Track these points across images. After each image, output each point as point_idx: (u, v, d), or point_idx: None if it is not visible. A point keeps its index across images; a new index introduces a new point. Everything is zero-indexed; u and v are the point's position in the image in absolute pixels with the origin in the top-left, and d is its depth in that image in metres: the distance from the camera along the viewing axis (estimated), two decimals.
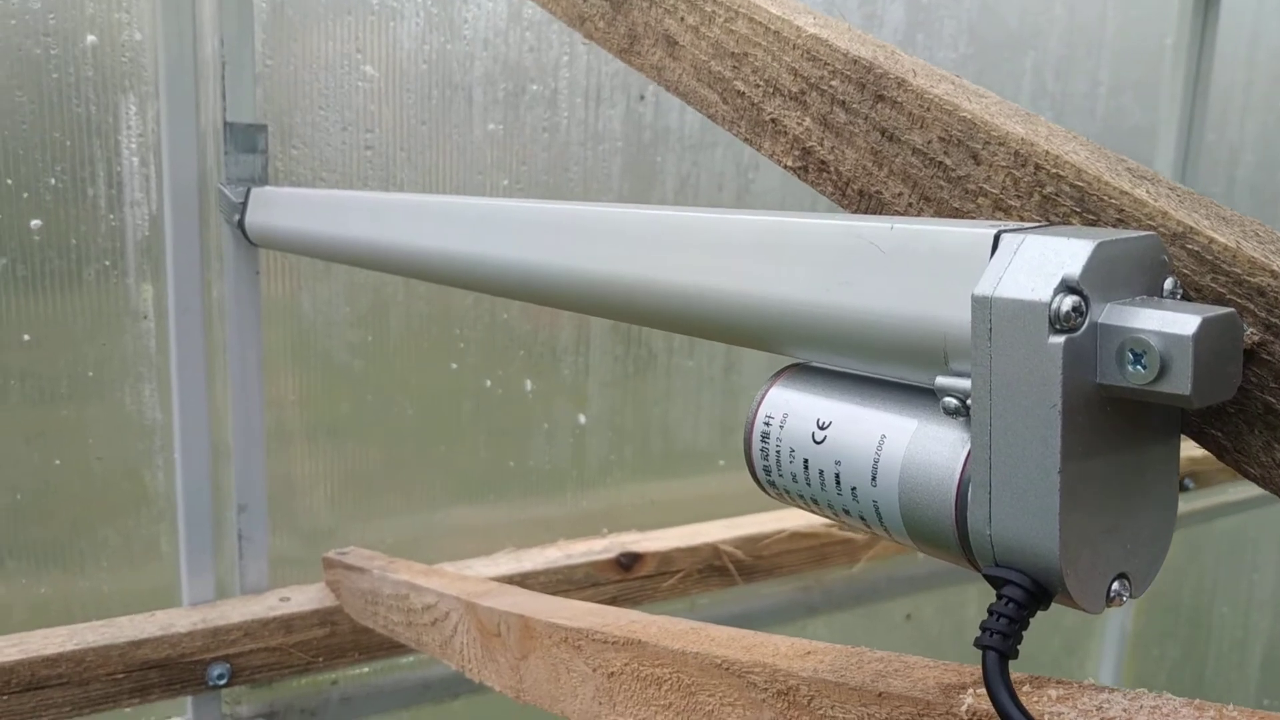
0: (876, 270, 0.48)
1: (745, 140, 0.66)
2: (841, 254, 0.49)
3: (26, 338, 1.30)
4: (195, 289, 1.36)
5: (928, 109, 0.53)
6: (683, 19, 0.71)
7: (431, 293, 1.48)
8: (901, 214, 0.55)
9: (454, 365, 1.57)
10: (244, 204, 1.27)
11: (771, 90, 0.63)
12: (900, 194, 0.55)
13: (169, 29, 1.28)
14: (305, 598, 1.42)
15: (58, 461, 1.34)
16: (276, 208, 1.22)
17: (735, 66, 0.66)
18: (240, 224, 1.28)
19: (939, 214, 0.53)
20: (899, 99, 0.55)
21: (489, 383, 1.60)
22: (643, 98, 1.60)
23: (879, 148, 0.57)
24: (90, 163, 1.29)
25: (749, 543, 1.73)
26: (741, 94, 0.66)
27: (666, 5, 0.72)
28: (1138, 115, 2.11)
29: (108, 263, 1.33)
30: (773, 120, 0.64)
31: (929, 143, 0.53)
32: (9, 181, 1.26)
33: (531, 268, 0.78)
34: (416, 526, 1.58)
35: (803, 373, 0.54)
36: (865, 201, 0.58)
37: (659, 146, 1.63)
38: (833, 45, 0.59)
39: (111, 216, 1.32)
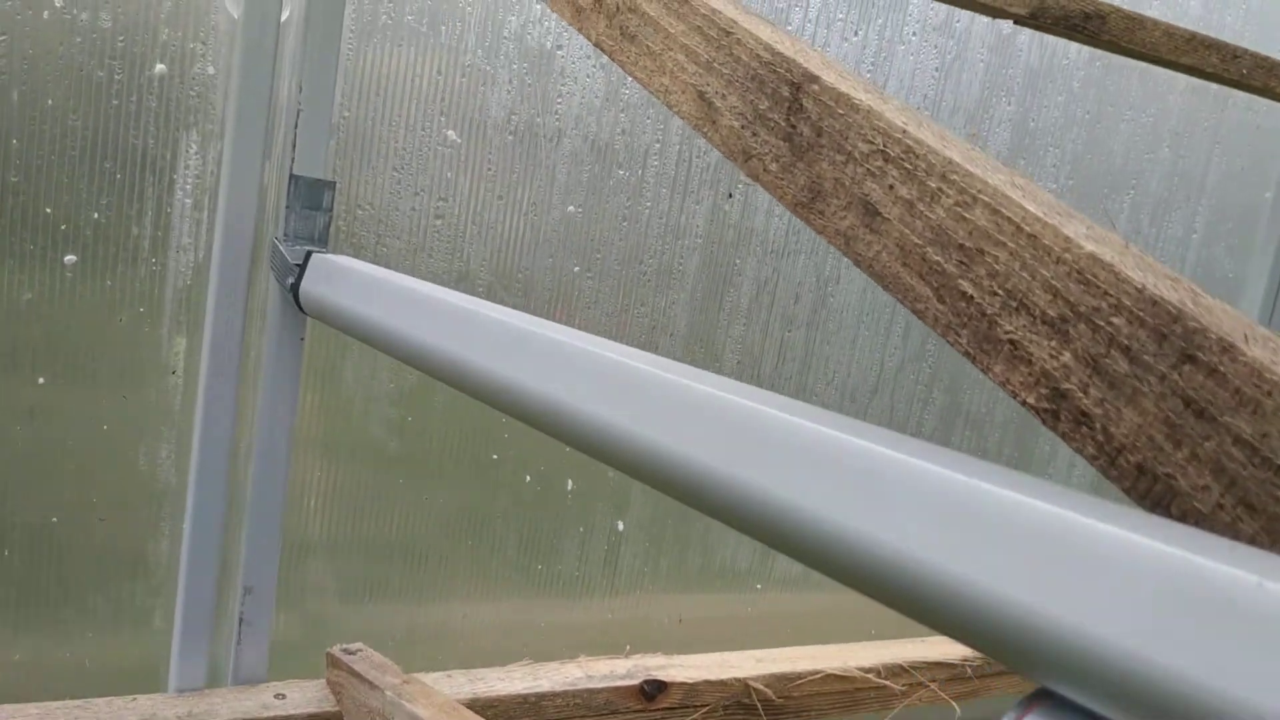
0: (1220, 633, 0.36)
1: (966, 354, 0.54)
2: (1173, 595, 0.37)
3: (41, 380, 1.17)
4: (233, 349, 1.24)
5: (1270, 392, 0.42)
6: (892, 188, 0.59)
7: None
8: (1206, 515, 0.44)
9: (495, 455, 1.45)
10: (301, 268, 1.15)
11: (1014, 305, 0.52)
12: (1206, 488, 0.44)
13: (247, 66, 1.17)
14: (303, 697, 1.29)
15: (55, 519, 1.21)
16: (338, 281, 1.10)
17: (963, 263, 0.54)
18: (294, 289, 1.16)
19: (1271, 531, 0.41)
20: (1221, 368, 0.43)
21: (529, 478, 1.48)
22: (730, 195, 1.49)
23: (1178, 420, 0.45)
24: (139, 199, 1.17)
25: (780, 681, 1.60)
26: (968, 297, 0.54)
27: (870, 166, 0.61)
28: (1227, 266, 2.01)
29: (142, 309, 1.21)
30: (1011, 342, 0.52)
31: (1266, 437, 0.42)
32: (48, 210, 1.14)
33: (620, 434, 0.67)
34: (432, 620, 1.45)
35: (1062, 710, 0.42)
36: (1144, 481, 0.46)
37: (740, 247, 1.52)
38: (1120, 273, 0.47)
39: (154, 260, 1.20)
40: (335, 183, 1.25)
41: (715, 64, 0.75)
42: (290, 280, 1.19)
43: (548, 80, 1.34)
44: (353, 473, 1.36)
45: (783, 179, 0.67)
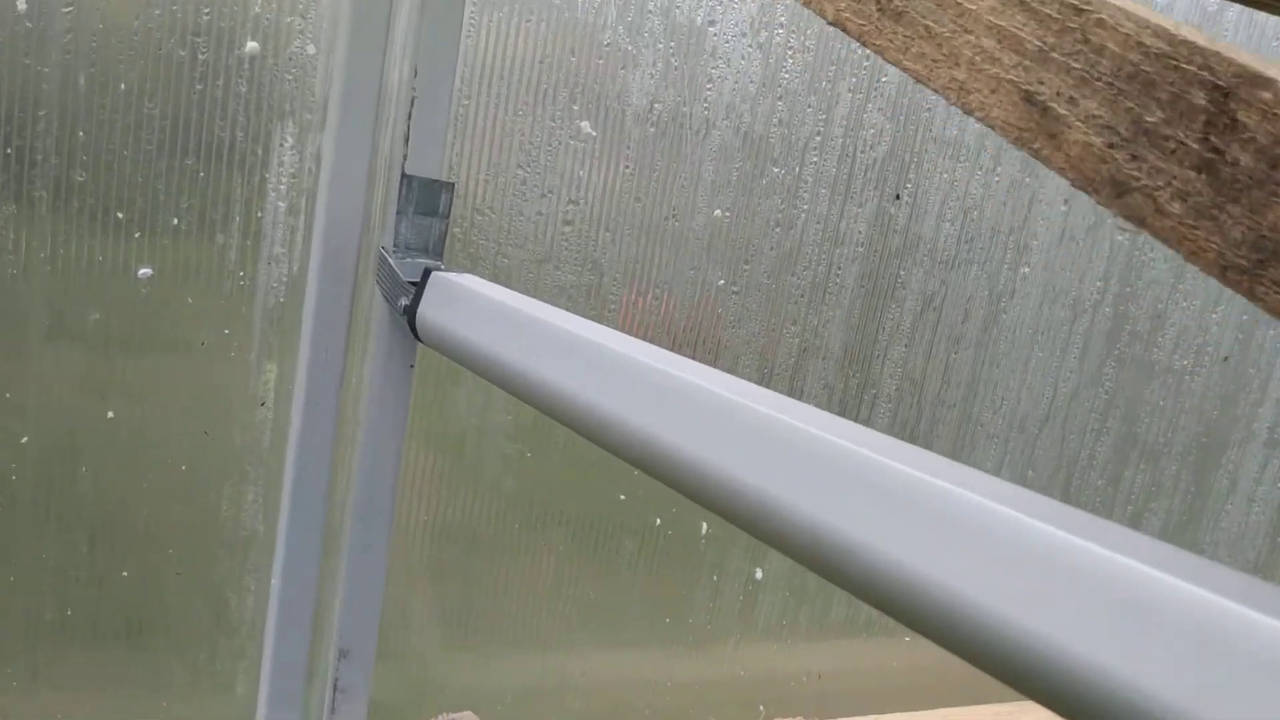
0: None
1: None
2: None
3: (110, 414, 0.99)
4: (331, 377, 1.05)
5: None
6: None
7: None
8: None
9: (622, 496, 1.25)
10: (418, 287, 0.96)
11: None
12: None
13: (353, 45, 0.97)
14: None
15: (125, 572, 1.03)
16: (464, 307, 0.90)
17: None
18: (409, 313, 0.97)
19: None
20: None
21: (659, 521, 1.28)
22: (898, 197, 1.27)
23: None
24: (225, 202, 0.98)
25: None
26: None
27: None
28: None
29: (227, 331, 1.02)
30: None
31: None
32: (119, 215, 0.95)
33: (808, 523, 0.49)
34: (546, 677, 1.26)
35: None
36: None
37: (905, 257, 1.30)
38: None
39: (241, 274, 1.01)
40: (454, 184, 1.05)
41: (1055, 53, 0.52)
42: (404, 302, 1.00)
43: (697, 62, 1.13)
44: (462, 514, 1.17)
45: (1195, 227, 0.45)
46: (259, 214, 1.01)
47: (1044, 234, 1.38)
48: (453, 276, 0.93)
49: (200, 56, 0.95)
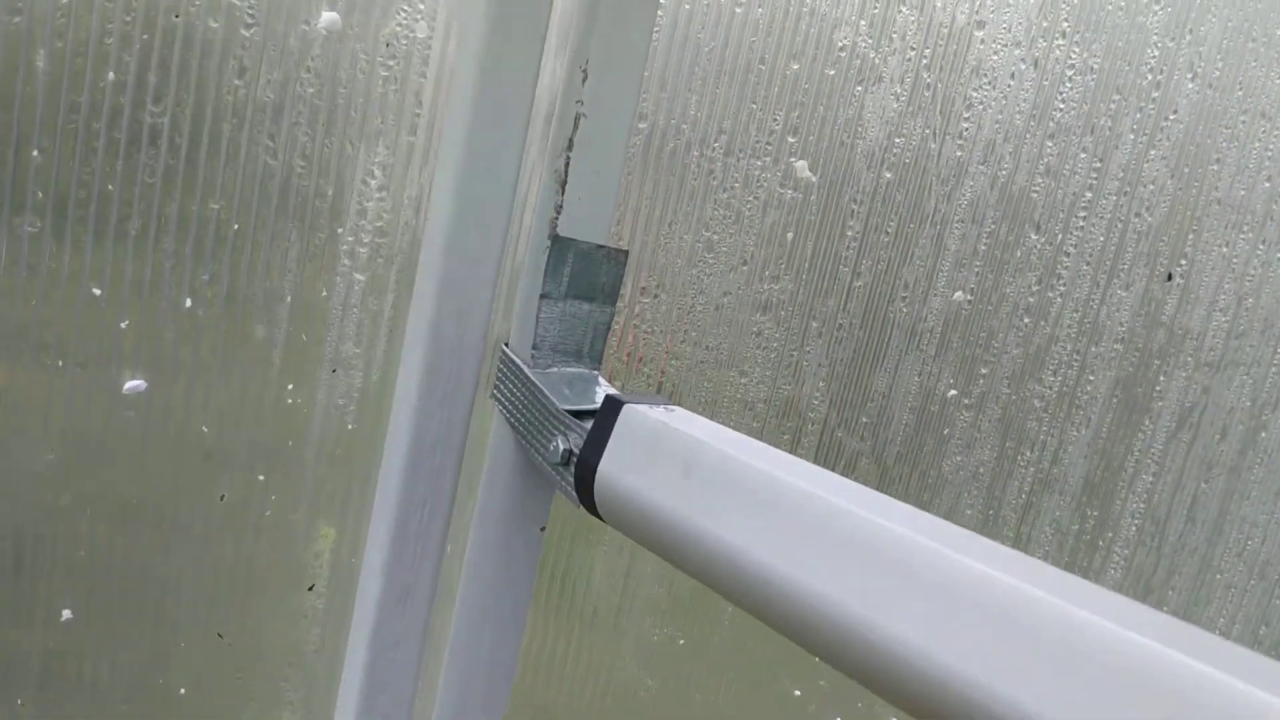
0: None
1: None
2: None
3: (66, 614, 0.58)
4: (427, 546, 0.66)
5: None
6: None
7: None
8: None
9: (797, 692, 0.87)
10: (599, 427, 0.58)
11: None
12: None
13: (494, 30, 0.59)
14: None
15: None
16: (713, 483, 0.52)
17: None
18: (577, 467, 0.58)
19: None
20: None
21: None
22: (1170, 276, 0.92)
23: None
24: (268, 272, 0.59)
25: None
26: None
27: None
28: None
29: (261, 478, 0.62)
30: None
31: None
32: (95, 291, 0.55)
33: None
34: None
35: None
36: None
37: (1167, 356, 0.94)
38: None
39: (289, 387, 0.62)
40: (627, 252, 0.67)
41: None
42: (560, 445, 0.61)
43: (955, 79, 0.76)
44: (593, 716, 0.78)
45: None
46: (323, 292, 0.61)
47: None
48: (660, 412, 0.55)
49: (244, 33, 0.55)
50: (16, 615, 0.59)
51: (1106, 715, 0.33)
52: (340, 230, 0.62)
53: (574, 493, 0.61)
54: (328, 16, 0.60)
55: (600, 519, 0.60)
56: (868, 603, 0.43)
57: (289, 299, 0.61)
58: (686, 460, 0.53)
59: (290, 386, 0.63)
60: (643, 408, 0.57)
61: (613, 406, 0.59)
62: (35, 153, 0.54)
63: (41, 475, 0.58)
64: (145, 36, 0.55)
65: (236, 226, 0.59)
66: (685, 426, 0.55)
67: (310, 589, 0.67)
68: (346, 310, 0.63)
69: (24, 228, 0.55)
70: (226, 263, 0.60)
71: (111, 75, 0.55)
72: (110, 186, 0.56)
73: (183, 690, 0.65)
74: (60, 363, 0.57)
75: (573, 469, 0.61)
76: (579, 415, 0.62)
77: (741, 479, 0.50)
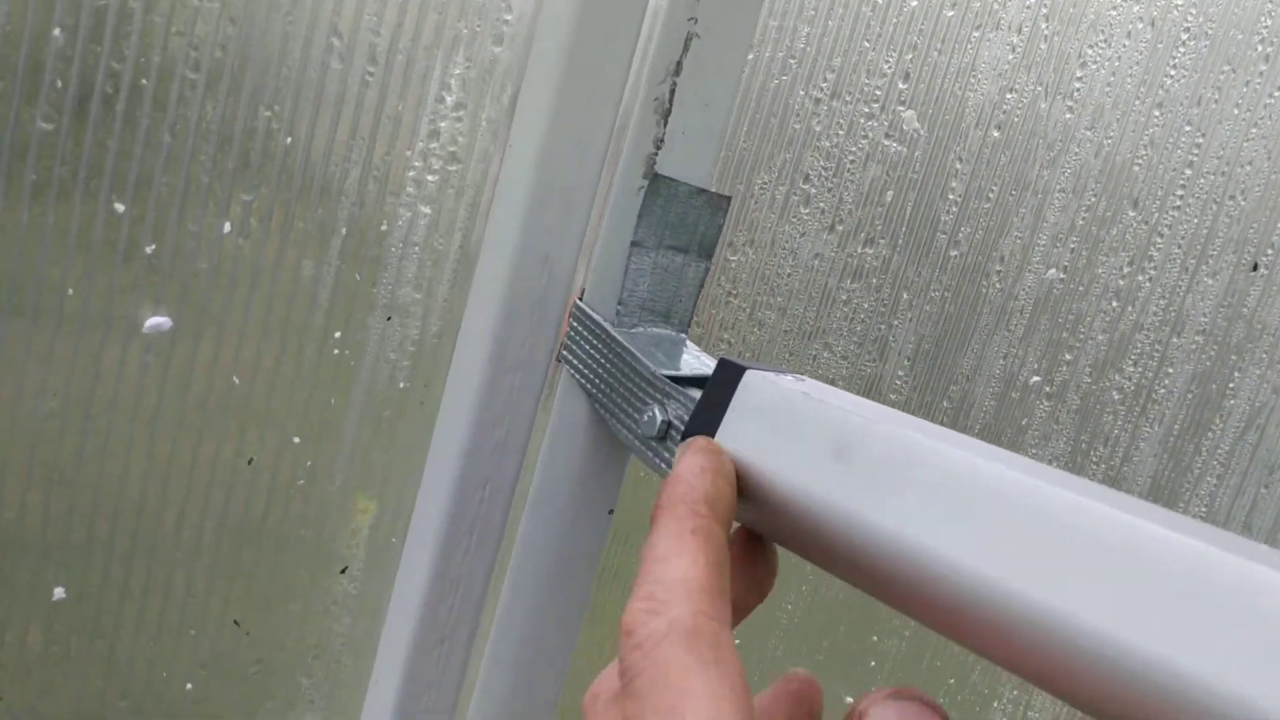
0: None
1: None
2: None
3: (59, 593, 0.48)
4: (486, 533, 0.57)
5: None
6: None
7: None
8: None
9: (849, 699, 0.79)
10: (714, 400, 0.49)
11: None
12: None
13: None
14: None
15: None
16: (876, 470, 0.44)
17: None
18: (675, 440, 0.50)
19: None
20: None
21: None
22: (1256, 267, 0.85)
23: None
24: (320, 197, 0.49)
25: None
26: None
27: None
28: None
29: (296, 440, 0.53)
30: None
31: None
32: (117, 207, 0.45)
33: None
34: None
35: None
36: None
37: (1244, 354, 0.88)
38: None
39: (337, 335, 0.52)
40: (730, 200, 0.58)
41: None
42: (660, 417, 0.52)
43: (1072, 34, 0.68)
44: None
45: None
46: (382, 225, 0.51)
47: None
48: (790, 382, 0.47)
49: None
50: (12, 590, 0.49)
51: None
52: (408, 154, 0.52)
53: (663, 469, 0.53)
54: None
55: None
56: (1098, 608, 0.35)
57: (343, 231, 0.52)
58: (839, 440, 0.44)
59: (337, 335, 0.53)
60: (771, 375, 0.49)
61: (731, 373, 0.50)
62: (56, 31, 0.44)
63: (38, 427, 0.48)
64: None
65: (289, 140, 0.49)
66: (831, 399, 0.46)
67: (343, 572, 0.57)
68: (407, 248, 0.53)
69: (37, 123, 0.44)
70: (273, 183, 0.50)
71: None
72: (144, 80, 0.46)
73: (189, 685, 0.55)
74: (70, 291, 0.47)
75: (673, 444, 0.52)
76: (682, 383, 0.53)
77: (918, 464, 0.41)
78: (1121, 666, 0.33)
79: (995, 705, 0.89)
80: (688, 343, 0.60)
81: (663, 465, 0.53)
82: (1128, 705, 0.33)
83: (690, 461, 0.42)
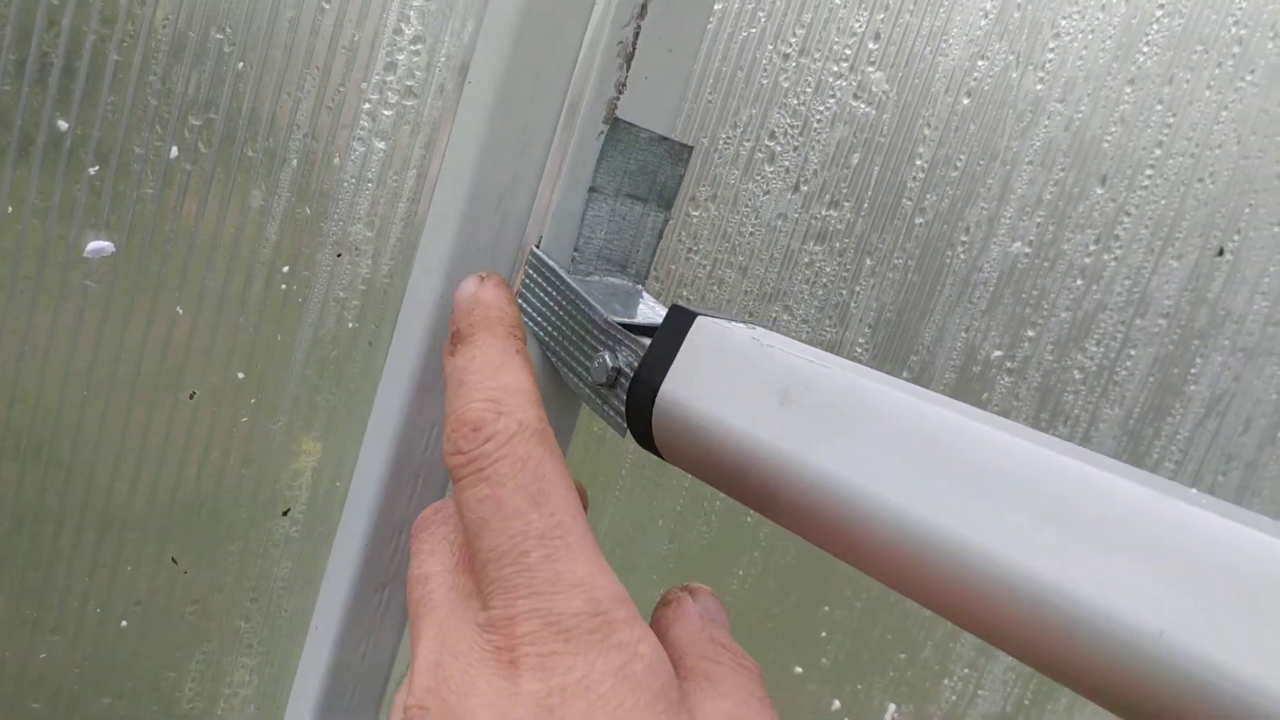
0: None
1: None
2: None
3: None
4: (430, 478, 0.56)
5: None
6: None
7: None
8: None
9: (798, 669, 0.79)
10: (664, 346, 0.48)
11: None
12: None
13: None
14: None
15: None
16: (822, 413, 0.43)
17: None
18: (633, 394, 0.49)
19: None
20: None
21: (838, 703, 0.82)
22: (1221, 252, 0.85)
23: None
24: (271, 129, 0.48)
25: None
26: None
27: None
28: None
29: (241, 375, 0.52)
30: None
31: None
32: (60, 125, 0.43)
33: None
34: None
35: None
36: None
37: (1206, 339, 0.88)
38: None
39: (285, 270, 0.51)
40: (692, 150, 0.58)
41: None
42: (609, 363, 0.52)
43: (1047, 3, 0.68)
44: None
45: None
46: (335, 158, 0.50)
47: None
48: (741, 329, 0.47)
49: None
50: None
51: None
52: (364, 86, 0.51)
53: (621, 421, 0.52)
54: None
55: (654, 452, 0.51)
56: (1034, 551, 0.34)
57: (294, 162, 0.51)
58: (785, 384, 0.44)
59: (285, 270, 0.52)
60: (723, 322, 0.48)
61: (681, 319, 0.49)
62: None
63: None
64: None
65: (241, 65, 0.48)
66: (780, 345, 0.45)
67: (285, 514, 0.56)
68: (360, 184, 0.52)
69: None
70: (224, 109, 0.48)
71: None
72: None
73: (124, 623, 0.54)
74: (10, 209, 0.46)
75: (623, 392, 0.51)
76: (633, 331, 0.52)
77: (861, 406, 0.41)
78: (1064, 611, 0.33)
79: (946, 682, 0.89)
80: (644, 294, 0.60)
81: (612, 413, 0.52)
82: (1074, 652, 0.33)
83: (495, 292, 0.45)
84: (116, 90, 0.46)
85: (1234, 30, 0.80)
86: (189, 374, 0.52)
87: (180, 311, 0.50)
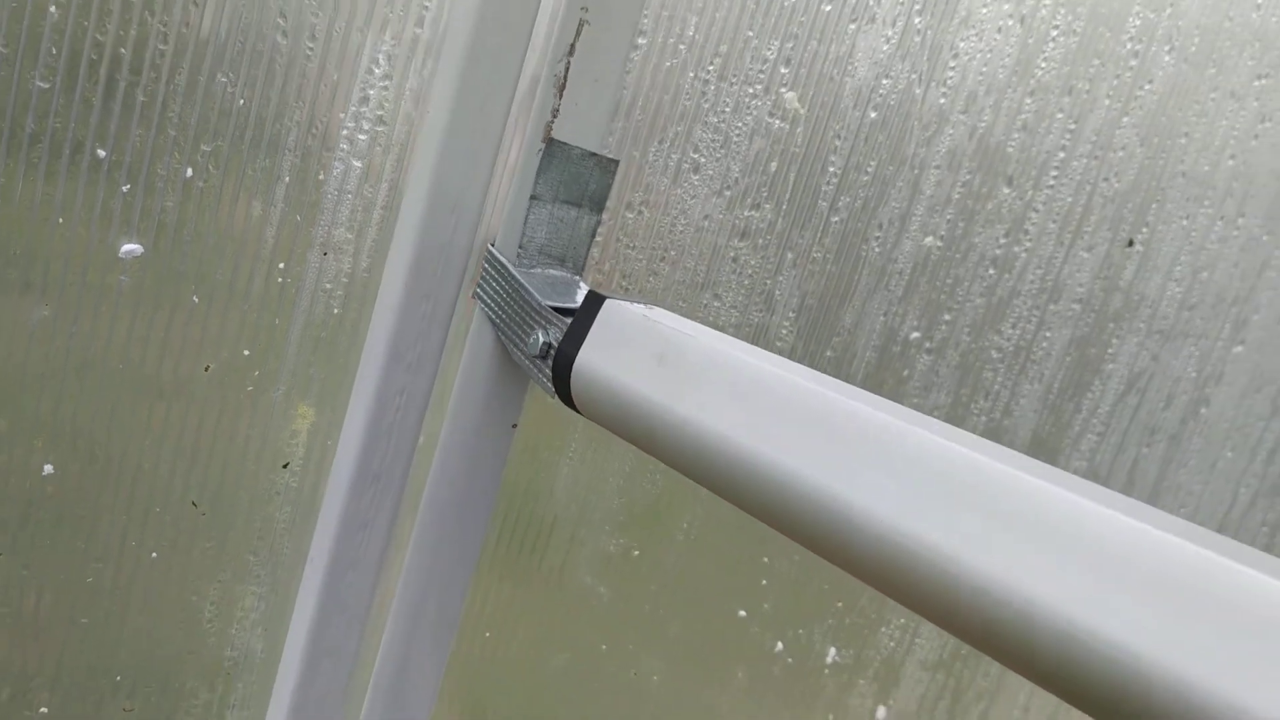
0: None
1: None
2: None
3: (48, 468, 0.60)
4: (402, 436, 0.68)
5: None
6: None
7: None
8: None
9: (742, 612, 0.90)
10: (578, 322, 0.60)
11: None
12: None
13: None
14: None
15: (43, 709, 0.65)
16: (686, 371, 0.55)
17: None
18: (556, 359, 0.61)
19: None
20: None
21: (780, 646, 0.93)
22: (1131, 243, 0.95)
23: None
24: (270, 150, 0.60)
25: None
26: None
27: None
28: None
29: (247, 352, 0.64)
30: None
31: None
32: (99, 152, 0.56)
33: None
34: None
35: None
36: None
37: (1122, 322, 0.98)
38: None
39: (281, 266, 0.63)
40: (617, 162, 0.69)
41: None
42: (543, 339, 0.63)
43: (945, 28, 0.79)
44: (533, 632, 0.81)
45: None
46: (320, 175, 0.62)
47: (1267, 309, 1.08)
48: (640, 309, 0.58)
49: None
50: (4, 468, 0.61)
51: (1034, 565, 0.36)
52: (342, 115, 0.63)
53: (550, 385, 0.64)
54: None
55: (575, 410, 0.63)
56: (835, 477, 0.46)
57: (287, 179, 0.63)
58: (662, 350, 0.55)
59: (281, 265, 0.64)
60: (624, 303, 0.60)
61: (594, 301, 0.61)
62: (52, 9, 0.55)
63: (32, 332, 0.59)
64: None
65: (242, 102, 0.61)
66: (665, 320, 0.57)
67: (285, 467, 0.69)
68: (341, 195, 0.65)
69: (35, 82, 0.56)
70: (229, 137, 0.61)
71: None
72: (123, 50, 0.57)
73: (154, 554, 0.67)
74: (61, 219, 0.58)
75: (550, 361, 0.63)
76: (561, 313, 0.64)
77: (714, 365, 0.52)
78: (856, 523, 0.45)
79: (883, 630, 1.00)
80: (581, 283, 0.71)
81: (544, 379, 0.64)
82: (879, 563, 0.44)
83: None
84: (143, 125, 0.59)
85: (1130, 46, 0.90)
86: (205, 351, 0.64)
87: (196, 300, 0.63)
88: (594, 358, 0.59)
